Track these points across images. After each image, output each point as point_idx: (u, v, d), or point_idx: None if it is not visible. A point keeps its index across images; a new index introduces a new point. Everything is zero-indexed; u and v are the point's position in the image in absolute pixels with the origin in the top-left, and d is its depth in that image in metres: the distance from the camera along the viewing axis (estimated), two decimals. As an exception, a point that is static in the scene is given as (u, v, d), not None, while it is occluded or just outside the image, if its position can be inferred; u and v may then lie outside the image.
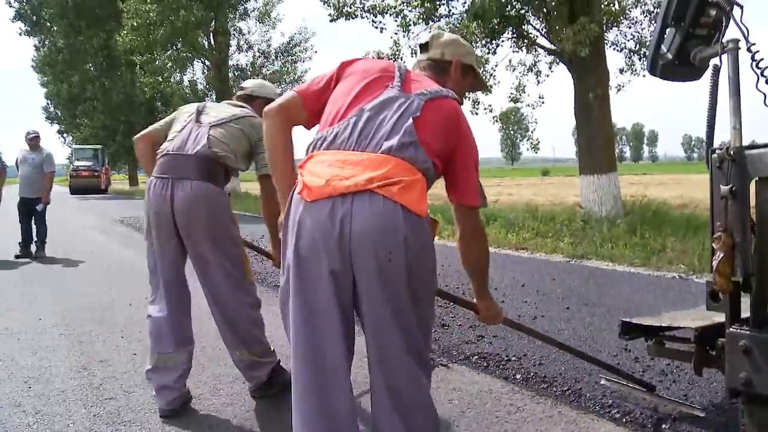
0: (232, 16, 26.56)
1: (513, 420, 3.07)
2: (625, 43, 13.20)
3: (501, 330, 4.52)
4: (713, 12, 1.92)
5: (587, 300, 5.55)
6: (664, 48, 2.01)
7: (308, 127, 2.19)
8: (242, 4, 26.90)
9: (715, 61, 1.95)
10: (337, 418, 1.88)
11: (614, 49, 13.28)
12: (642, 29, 12.99)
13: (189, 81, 27.21)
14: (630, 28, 12.99)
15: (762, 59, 1.89)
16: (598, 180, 10.95)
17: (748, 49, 1.89)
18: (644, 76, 13.47)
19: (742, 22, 1.89)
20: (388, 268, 1.80)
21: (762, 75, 1.90)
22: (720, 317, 2.31)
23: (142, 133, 3.50)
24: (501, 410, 3.19)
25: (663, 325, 2.86)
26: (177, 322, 3.19)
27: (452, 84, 2.22)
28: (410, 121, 1.90)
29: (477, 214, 2.14)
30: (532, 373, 3.65)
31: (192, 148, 3.08)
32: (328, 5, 11.81)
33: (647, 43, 12.93)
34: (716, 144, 1.96)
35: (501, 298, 5.66)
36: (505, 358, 3.94)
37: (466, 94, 2.43)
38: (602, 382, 3.37)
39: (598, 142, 11.12)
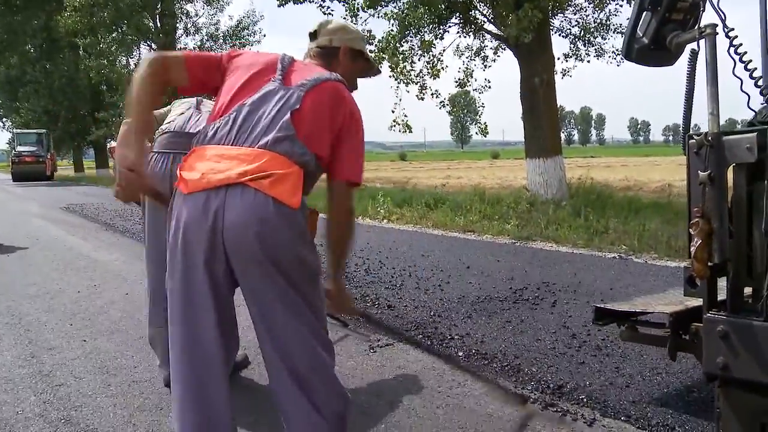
0: (178, -2, 26.13)
1: (455, 395, 3.22)
2: (570, 29, 13.49)
3: (445, 310, 4.67)
4: None
5: (530, 280, 5.75)
6: (639, 32, 1.99)
7: (185, 91, 2.30)
8: (189, -14, 26.46)
9: (692, 45, 1.93)
10: (211, 406, 1.94)
11: (560, 35, 13.56)
12: (587, 16, 13.30)
13: (135, 64, 26.60)
14: (575, 14, 13.29)
15: (740, 44, 1.88)
16: (544, 163, 11.23)
17: (727, 35, 1.87)
18: (588, 62, 13.81)
19: (719, 7, 1.87)
20: (261, 257, 1.83)
21: (740, 60, 1.89)
22: (693, 302, 2.40)
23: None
24: (443, 386, 3.33)
25: (637, 310, 2.87)
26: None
27: (342, 70, 2.22)
28: (288, 115, 1.92)
29: (353, 193, 2.13)
30: (473, 351, 3.80)
31: (193, 127, 3.21)
32: (276, -11, 11.77)
33: (591, 30, 13.28)
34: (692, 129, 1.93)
35: (446, 280, 5.82)
36: (449, 337, 4.09)
37: (358, 79, 2.42)
38: None
39: (544, 126, 11.39)
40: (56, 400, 3.24)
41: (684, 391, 3.17)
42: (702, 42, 1.85)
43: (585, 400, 3.08)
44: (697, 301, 2.13)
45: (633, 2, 2.00)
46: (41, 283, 6.20)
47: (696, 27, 1.91)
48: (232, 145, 1.92)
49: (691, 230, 1.84)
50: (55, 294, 5.72)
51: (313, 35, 2.33)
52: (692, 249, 1.82)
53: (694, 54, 1.92)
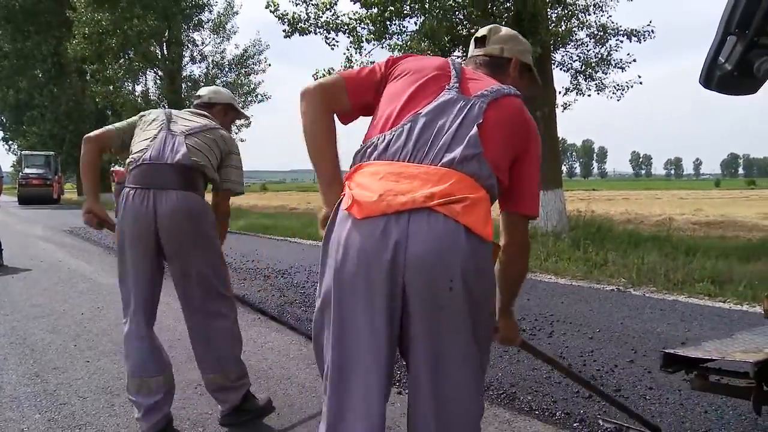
0: (185, 27, 26.51)
1: (452, 421, 3.27)
2: (571, 63, 13.68)
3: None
4: None
5: (528, 311, 5.81)
6: (721, 58, 1.81)
7: (347, 119, 1.95)
8: (196, 15, 26.86)
9: None
10: None
11: (561, 69, 13.75)
12: (588, 50, 13.50)
13: (141, 91, 26.96)
14: (576, 49, 13.48)
15: None
16: (545, 195, 11.32)
17: None
18: (589, 95, 13.98)
19: None
20: (448, 298, 1.58)
21: None
22: None
23: (95, 132, 3.17)
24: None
25: (712, 357, 2.55)
26: (154, 346, 3.05)
27: (510, 83, 1.98)
28: (475, 129, 1.69)
29: (528, 225, 1.93)
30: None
31: (171, 157, 2.90)
32: (283, 21, 11.97)
33: (592, 65, 13.47)
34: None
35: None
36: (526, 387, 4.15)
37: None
38: (600, 422, 3.17)
39: (545, 159, 11.49)
40: (61, 419, 3.30)
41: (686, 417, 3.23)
42: None
43: (579, 427, 3.14)
44: None
45: (717, 25, 1.83)
46: (45, 304, 6.27)
47: None
48: (409, 161, 1.67)
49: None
50: (59, 315, 5.79)
51: (480, 41, 2.12)
52: None
53: None
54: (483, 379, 1.77)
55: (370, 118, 1.90)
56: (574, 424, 3.17)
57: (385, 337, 1.62)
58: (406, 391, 3.85)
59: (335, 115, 1.89)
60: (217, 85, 24.64)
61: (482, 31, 2.12)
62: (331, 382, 1.68)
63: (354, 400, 1.64)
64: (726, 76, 1.80)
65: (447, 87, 1.80)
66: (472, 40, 2.14)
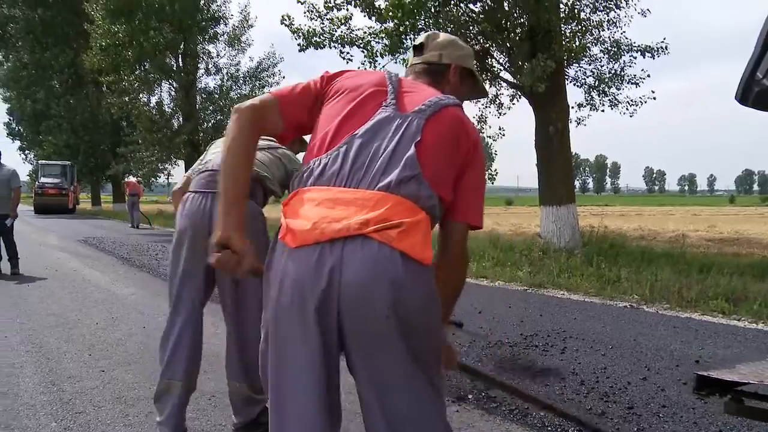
0: (201, 39, 26.71)
1: (464, 436, 3.28)
2: (585, 79, 13.69)
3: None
4: None
5: (540, 327, 5.81)
6: (759, 74, 1.78)
7: (283, 139, 1.94)
8: (212, 28, 27.06)
9: None
10: None
11: (574, 84, 13.76)
12: (601, 66, 13.51)
13: (156, 102, 27.16)
14: (590, 64, 13.49)
15: None
16: (557, 211, 11.31)
17: None
18: (603, 111, 13.97)
19: None
20: (385, 326, 1.53)
21: None
22: None
23: (179, 185, 3.37)
24: (453, 427, 3.39)
25: (751, 381, 2.40)
26: (192, 350, 3.06)
27: (450, 89, 1.96)
28: (412, 149, 1.63)
29: (467, 236, 1.86)
30: (483, 394, 3.87)
31: None
32: (298, 36, 12.07)
33: (606, 80, 13.47)
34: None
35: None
36: (458, 379, 4.16)
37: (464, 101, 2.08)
38: None
39: (558, 174, 11.51)
40: (76, 427, 3.33)
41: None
42: None
43: (592, 444, 3.14)
44: None
45: (756, 41, 1.78)
46: (60, 314, 6.33)
47: None
48: (345, 186, 1.62)
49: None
50: (73, 325, 5.84)
51: (419, 48, 2.06)
52: None
53: None
54: (441, 401, 1.69)
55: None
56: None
57: (321, 366, 1.59)
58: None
59: (273, 135, 1.89)
60: (231, 98, 24.66)
61: (420, 39, 2.08)
62: (270, 410, 1.68)
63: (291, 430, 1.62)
64: (764, 92, 1.79)
65: (384, 104, 1.74)
66: (411, 48, 2.09)
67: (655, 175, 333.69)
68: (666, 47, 12.79)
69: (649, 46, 12.77)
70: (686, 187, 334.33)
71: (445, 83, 1.99)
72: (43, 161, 35.87)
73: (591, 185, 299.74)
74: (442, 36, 2.07)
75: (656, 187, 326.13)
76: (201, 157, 3.36)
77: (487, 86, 13.51)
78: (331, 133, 1.72)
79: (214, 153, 3.18)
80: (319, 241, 1.55)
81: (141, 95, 26.10)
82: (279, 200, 3.38)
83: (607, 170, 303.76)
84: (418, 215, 1.60)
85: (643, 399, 3.78)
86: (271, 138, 3.20)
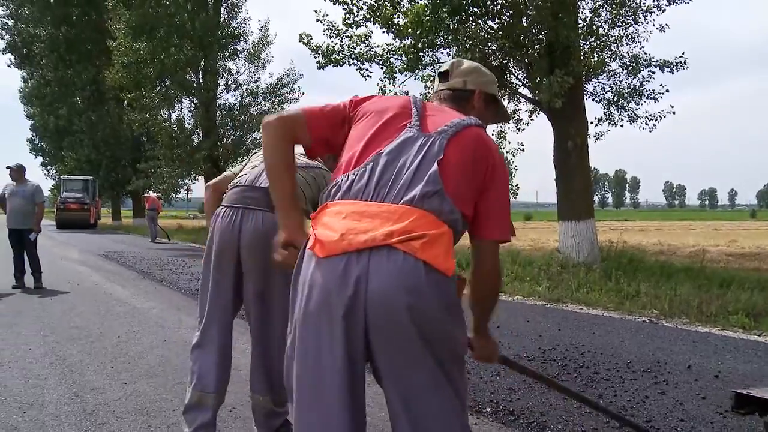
0: (221, 56, 27.02)
1: (482, 449, 3.29)
2: (603, 94, 13.69)
3: (474, 367, 4.75)
4: None
5: (558, 341, 5.80)
6: None
7: (310, 154, 2.04)
8: (232, 45, 27.38)
9: None
10: None
11: (593, 99, 13.76)
12: (620, 81, 13.50)
13: (176, 118, 27.48)
14: (608, 79, 13.50)
15: None
16: (576, 226, 11.29)
17: None
18: (622, 126, 13.94)
19: None
20: (409, 332, 1.61)
21: None
22: None
23: (214, 180, 3.45)
24: (471, 440, 3.41)
25: None
26: (223, 363, 3.11)
27: (476, 114, 2.03)
28: (435, 167, 1.72)
29: (498, 250, 1.92)
30: (501, 407, 3.88)
31: (265, 182, 2.97)
32: (317, 53, 12.21)
33: (624, 95, 13.45)
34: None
35: (477, 338, 5.90)
36: (478, 393, 4.17)
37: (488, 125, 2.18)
38: None
39: (577, 189, 11.50)
40: (100, 438, 3.39)
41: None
42: None
43: (610, 458, 3.15)
44: None
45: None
46: (83, 327, 6.42)
47: None
48: (371, 200, 1.72)
49: None
50: (96, 337, 5.92)
51: (444, 76, 2.16)
52: None
53: None
54: (463, 404, 1.76)
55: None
56: (605, 455, 3.18)
57: (347, 373, 1.65)
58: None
59: (301, 146, 1.99)
60: (251, 114, 24.77)
61: (445, 66, 2.18)
62: (295, 415, 1.73)
63: None
64: None
65: (408, 125, 1.84)
66: (437, 75, 2.20)
67: (675, 189, 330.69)
68: (685, 62, 12.76)
69: (668, 61, 12.76)
70: (707, 202, 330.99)
71: (470, 108, 2.08)
72: (65, 176, 36.22)
73: (610, 200, 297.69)
74: (466, 63, 2.16)
75: (676, 202, 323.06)
76: (243, 163, 3.42)
77: (505, 102, 13.57)
78: (358, 151, 1.81)
79: (253, 167, 3.21)
80: (346, 251, 1.63)
81: (161, 111, 26.46)
82: (306, 217, 3.40)
83: (627, 185, 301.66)
84: (441, 228, 1.68)
85: (662, 413, 3.77)
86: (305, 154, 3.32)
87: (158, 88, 25.73)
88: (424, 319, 1.61)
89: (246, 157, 3.48)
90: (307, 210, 3.14)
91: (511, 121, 14.10)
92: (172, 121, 27.07)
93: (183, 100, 27.36)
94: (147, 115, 24.85)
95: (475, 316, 2.08)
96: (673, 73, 12.86)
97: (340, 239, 1.65)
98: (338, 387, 1.65)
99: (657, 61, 12.81)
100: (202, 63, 25.96)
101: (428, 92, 12.13)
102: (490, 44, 11.65)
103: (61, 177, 37.24)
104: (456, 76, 2.13)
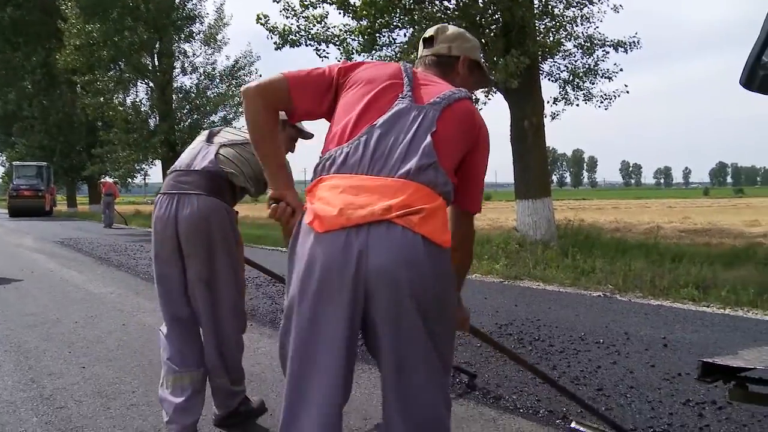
0: (177, 38, 26.53)
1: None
2: (559, 74, 13.85)
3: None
4: None
5: (515, 316, 5.92)
6: (765, 58, 1.76)
7: (292, 119, 2.00)
8: (187, 27, 26.89)
9: None
10: None
11: (549, 79, 13.92)
12: (575, 61, 13.68)
13: (132, 102, 26.94)
14: (564, 59, 13.66)
15: None
16: (533, 204, 11.45)
17: None
18: (577, 105, 14.14)
19: None
20: (408, 305, 1.65)
21: None
22: None
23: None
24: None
25: (755, 366, 2.40)
26: (188, 343, 3.05)
27: (460, 81, 2.07)
28: (429, 139, 1.75)
29: (472, 219, 2.01)
30: (457, 380, 3.96)
31: (199, 164, 2.99)
32: (274, 34, 12.09)
33: (580, 75, 13.64)
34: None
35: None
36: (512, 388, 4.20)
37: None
38: (573, 425, 3.18)
39: (533, 168, 11.64)
40: (58, 422, 3.38)
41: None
42: None
43: (561, 424, 3.25)
44: None
45: (762, 25, 1.76)
46: (38, 313, 6.33)
47: None
48: (367, 174, 1.73)
49: None
50: (52, 323, 5.85)
51: (429, 41, 2.15)
52: None
53: None
54: (448, 376, 1.84)
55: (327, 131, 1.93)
56: (557, 421, 3.28)
57: (346, 344, 1.68)
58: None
59: (283, 112, 1.96)
60: (208, 96, 24.45)
61: (430, 32, 2.17)
62: (289, 384, 1.74)
63: (310, 404, 1.70)
64: None
65: (400, 96, 1.85)
66: (421, 40, 2.18)
67: (631, 168, 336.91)
68: (638, 42, 13.00)
69: (622, 41, 12.97)
70: (662, 180, 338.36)
71: (455, 75, 2.09)
72: (18, 162, 35.25)
73: (569, 179, 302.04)
74: (451, 29, 2.17)
75: (633, 181, 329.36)
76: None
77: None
78: (351, 123, 1.81)
79: (191, 148, 3.16)
80: (345, 227, 1.65)
81: (116, 95, 25.90)
82: (255, 199, 3.35)
83: (585, 164, 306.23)
84: (437, 201, 1.72)
85: (613, 381, 3.90)
86: (243, 131, 3.21)
87: (112, 72, 25.19)
88: (422, 293, 1.66)
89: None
90: (248, 188, 3.10)
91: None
92: (128, 105, 26.52)
93: (138, 83, 26.84)
94: (101, 99, 24.23)
95: None
96: (627, 53, 13.08)
97: (339, 214, 1.66)
98: (339, 358, 1.68)
99: (611, 41, 13.02)
100: (157, 46, 25.42)
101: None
102: (446, 24, 11.67)
103: (13, 163, 36.25)
104: (441, 42, 2.12)
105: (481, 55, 2.24)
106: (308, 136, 3.37)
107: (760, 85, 1.82)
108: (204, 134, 3.24)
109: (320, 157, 1.85)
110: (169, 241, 2.91)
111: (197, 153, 3.07)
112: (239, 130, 3.29)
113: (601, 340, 4.93)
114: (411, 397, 1.72)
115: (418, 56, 2.19)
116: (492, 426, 3.28)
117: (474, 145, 1.89)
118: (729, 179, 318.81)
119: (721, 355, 3.69)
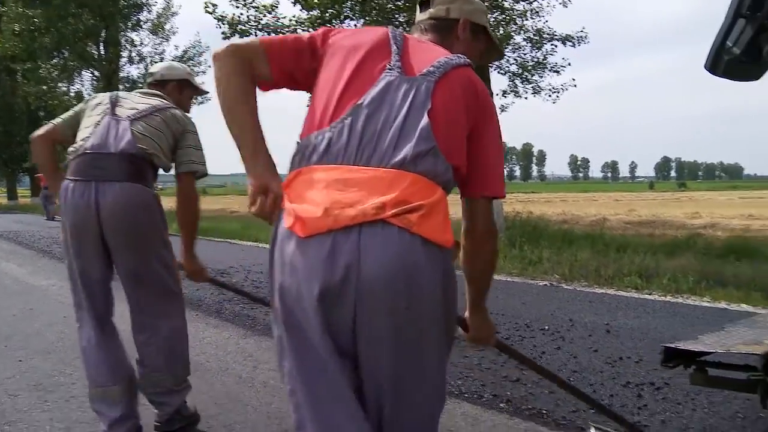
0: (123, 27, 25.94)
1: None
2: (508, 67, 14.01)
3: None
4: None
5: (460, 305, 5.93)
6: (729, 42, 1.72)
7: (266, 88, 1.66)
8: (135, 15, 26.33)
9: None
10: None
11: (498, 72, 14.06)
12: (524, 54, 13.85)
13: (76, 92, 26.29)
14: (513, 53, 13.82)
15: None
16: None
17: None
18: (526, 98, 14.33)
19: None
20: (405, 317, 1.42)
21: None
22: None
23: (41, 129, 2.94)
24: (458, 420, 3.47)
25: (717, 350, 2.43)
26: (111, 352, 2.78)
27: (462, 48, 1.77)
28: (426, 119, 1.47)
29: (492, 208, 1.68)
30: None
31: (115, 145, 2.65)
32: (222, 23, 11.91)
33: (529, 68, 13.81)
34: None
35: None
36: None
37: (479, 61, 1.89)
38: (591, 431, 2.96)
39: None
40: (-9, 415, 3.26)
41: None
42: None
43: (505, 407, 3.30)
44: None
45: (727, 10, 1.75)
46: (-25, 307, 6.12)
47: None
48: (354, 164, 1.46)
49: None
50: (-11, 317, 5.66)
51: (426, 4, 1.85)
52: None
53: None
54: (443, 400, 1.64)
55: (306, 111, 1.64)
56: (500, 405, 3.33)
57: (339, 360, 1.45)
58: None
59: (259, 80, 1.64)
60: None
61: None
62: (302, 411, 1.50)
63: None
64: (734, 61, 1.75)
65: (388, 66, 1.56)
66: (418, 4, 1.89)
67: (579, 162, 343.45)
68: (586, 36, 13.25)
69: (570, 35, 13.19)
70: (609, 174, 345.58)
71: (454, 39, 1.80)
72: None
73: (518, 173, 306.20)
74: None
75: (581, 174, 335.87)
76: (76, 109, 2.97)
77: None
78: (334, 102, 1.54)
79: (96, 124, 2.76)
80: (332, 230, 1.40)
81: (60, 84, 25.22)
82: (167, 172, 3.10)
83: (534, 158, 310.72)
84: (436, 193, 1.47)
85: (557, 365, 3.96)
86: (158, 93, 2.98)
87: (56, 60, 24.50)
88: (418, 298, 1.42)
89: (84, 104, 2.99)
90: (166, 163, 2.84)
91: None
92: (72, 94, 25.86)
93: (83, 72, 26.20)
94: (44, 87, 23.59)
95: (470, 291, 1.84)
96: (574, 47, 13.31)
97: (325, 215, 1.40)
98: (337, 372, 1.45)
99: (559, 35, 13.22)
100: (103, 34, 24.83)
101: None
102: (396, 16, 11.70)
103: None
104: (438, 3, 1.82)
105: (488, 20, 1.93)
106: (203, 92, 3.25)
107: (725, 70, 1.79)
108: (103, 104, 2.85)
109: (298, 144, 1.57)
110: (91, 233, 2.63)
111: (107, 131, 2.71)
112: (140, 94, 2.99)
113: (546, 327, 5.00)
114: (406, 407, 1.52)
115: (416, 21, 1.90)
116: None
117: (480, 118, 1.60)
118: (673, 173, 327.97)
119: (663, 340, 3.82)
